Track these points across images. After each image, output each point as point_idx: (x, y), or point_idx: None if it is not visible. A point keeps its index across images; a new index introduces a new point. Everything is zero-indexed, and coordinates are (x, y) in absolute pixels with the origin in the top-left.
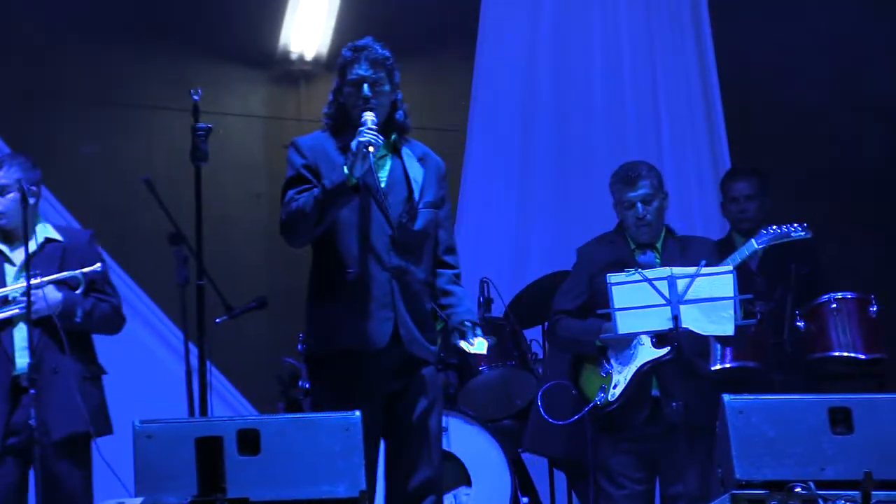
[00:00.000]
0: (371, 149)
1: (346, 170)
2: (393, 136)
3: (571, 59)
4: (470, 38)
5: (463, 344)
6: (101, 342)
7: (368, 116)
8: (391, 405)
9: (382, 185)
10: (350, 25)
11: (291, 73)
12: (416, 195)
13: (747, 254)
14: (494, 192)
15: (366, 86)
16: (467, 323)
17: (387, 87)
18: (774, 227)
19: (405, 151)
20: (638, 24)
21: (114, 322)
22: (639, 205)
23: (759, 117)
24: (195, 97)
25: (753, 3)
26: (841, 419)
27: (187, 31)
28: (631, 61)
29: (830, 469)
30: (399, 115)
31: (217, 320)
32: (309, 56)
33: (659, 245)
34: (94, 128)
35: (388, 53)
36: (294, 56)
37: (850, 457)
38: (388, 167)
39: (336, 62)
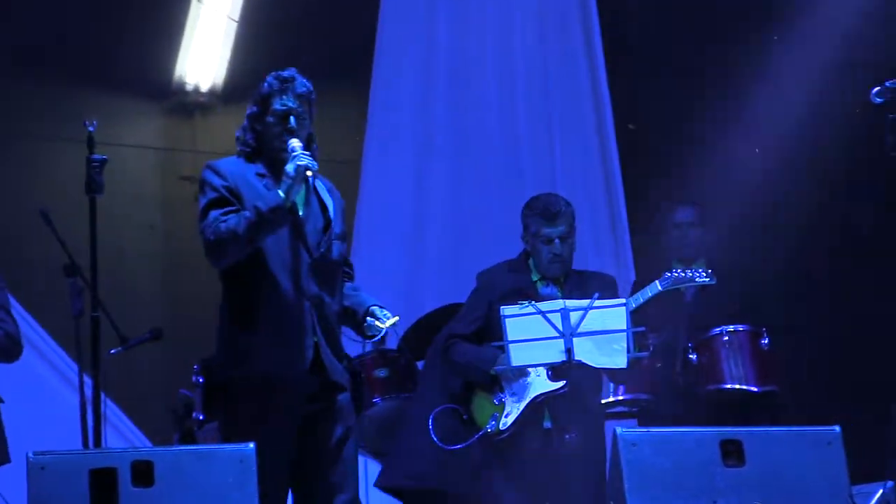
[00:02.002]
0: (310, 172)
1: (281, 193)
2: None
3: (466, 92)
4: (365, 69)
5: (377, 323)
6: None
7: (296, 143)
8: (306, 429)
9: (300, 211)
10: (245, 57)
11: (186, 104)
12: (333, 225)
13: (650, 295)
14: (389, 225)
15: (292, 118)
16: (373, 308)
17: (307, 122)
18: (679, 270)
19: (317, 183)
20: (532, 54)
21: (11, 350)
22: (556, 241)
23: (651, 142)
24: (90, 128)
25: (647, 30)
26: (732, 452)
27: (82, 63)
28: (525, 92)
29: (722, 501)
30: (314, 147)
31: (111, 351)
32: (204, 87)
33: (561, 278)
34: None
35: (311, 87)
36: (189, 87)
37: (741, 489)
38: (303, 196)
39: (233, 92)
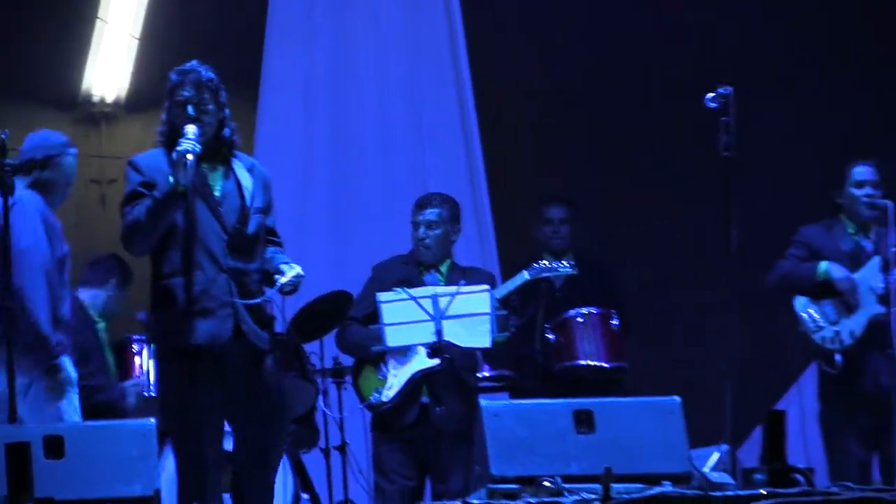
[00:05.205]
0: (189, 157)
1: (171, 179)
2: (223, 150)
3: (345, 103)
4: (256, 83)
5: (281, 278)
6: None
7: (190, 128)
8: (241, 397)
9: (217, 193)
10: (146, 72)
11: (93, 114)
12: (248, 202)
13: (519, 283)
14: (278, 223)
15: (190, 107)
16: (281, 265)
17: (210, 107)
18: (545, 262)
19: (235, 163)
20: (405, 69)
21: None
22: (422, 227)
23: (516, 146)
24: (2, 136)
25: (510, 49)
26: (584, 420)
27: None
28: (399, 104)
29: (575, 465)
30: (226, 131)
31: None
32: (109, 98)
33: (444, 269)
34: None
35: (212, 76)
36: (96, 99)
37: (592, 454)
38: (221, 178)
39: (135, 103)
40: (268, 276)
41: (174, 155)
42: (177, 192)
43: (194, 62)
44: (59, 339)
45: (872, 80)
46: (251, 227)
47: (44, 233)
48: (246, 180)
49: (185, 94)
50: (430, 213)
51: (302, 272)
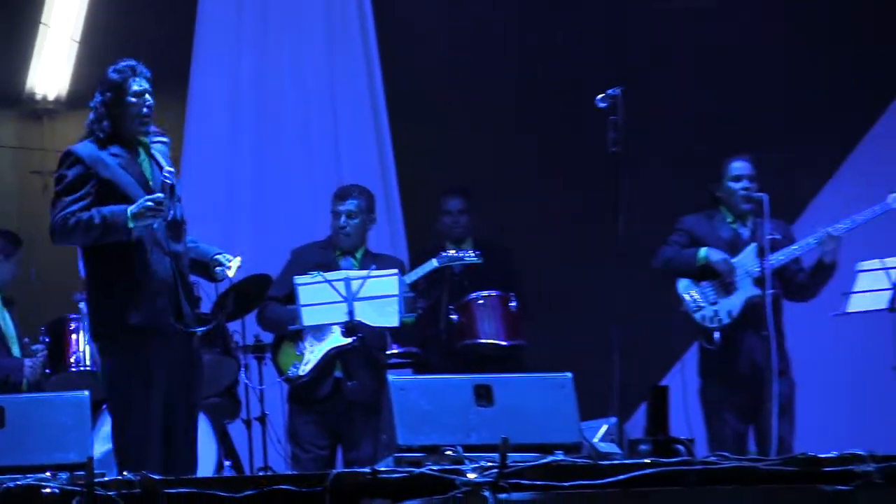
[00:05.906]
0: (157, 222)
1: (130, 221)
2: (146, 139)
3: (268, 102)
4: (186, 82)
5: (227, 271)
6: None
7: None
8: (178, 374)
9: (151, 182)
10: (86, 72)
11: (36, 110)
12: (177, 189)
13: (428, 269)
14: (205, 209)
15: (148, 96)
16: (217, 256)
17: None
18: (453, 251)
19: (154, 151)
20: (320, 70)
21: None
22: (342, 217)
23: (424, 142)
24: None
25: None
26: (483, 394)
27: None
28: (316, 103)
29: (475, 435)
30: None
31: None
32: (51, 96)
33: (359, 255)
34: None
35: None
36: (39, 96)
37: (490, 425)
38: (150, 166)
39: (75, 100)
40: (202, 266)
41: (148, 204)
42: (126, 231)
43: (131, 60)
44: None
45: (872, 79)
46: (178, 213)
47: None
48: (167, 169)
49: (144, 84)
50: (350, 204)
51: (240, 262)
